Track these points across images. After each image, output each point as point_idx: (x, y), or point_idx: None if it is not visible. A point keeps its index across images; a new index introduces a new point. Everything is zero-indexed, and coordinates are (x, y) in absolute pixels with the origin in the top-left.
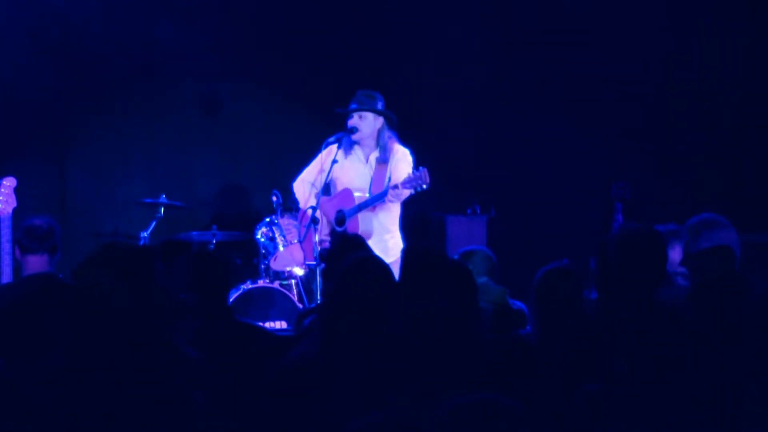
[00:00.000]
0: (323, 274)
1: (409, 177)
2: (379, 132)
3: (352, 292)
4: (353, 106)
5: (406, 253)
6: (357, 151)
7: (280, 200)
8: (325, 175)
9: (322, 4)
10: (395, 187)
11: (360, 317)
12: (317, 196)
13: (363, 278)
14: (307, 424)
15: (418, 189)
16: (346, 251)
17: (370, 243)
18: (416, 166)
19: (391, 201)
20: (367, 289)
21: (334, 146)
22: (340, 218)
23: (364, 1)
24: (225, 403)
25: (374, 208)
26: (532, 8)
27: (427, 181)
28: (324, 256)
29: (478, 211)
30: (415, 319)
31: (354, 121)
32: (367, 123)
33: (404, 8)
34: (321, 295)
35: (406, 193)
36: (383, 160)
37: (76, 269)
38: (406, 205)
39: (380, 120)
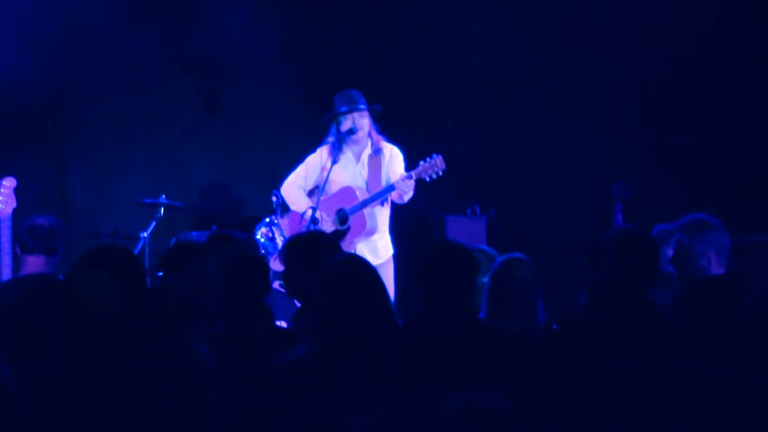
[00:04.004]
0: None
1: (423, 165)
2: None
3: (341, 292)
4: (343, 108)
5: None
6: (347, 152)
7: (280, 200)
8: (326, 173)
9: (321, 3)
10: (409, 177)
11: (351, 317)
12: (317, 195)
13: (350, 279)
14: (303, 425)
15: (434, 176)
16: (318, 251)
17: (360, 244)
18: (406, 164)
19: (403, 192)
20: (356, 288)
21: (327, 147)
22: (342, 216)
23: (364, 0)
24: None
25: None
26: (532, 7)
27: (443, 167)
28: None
29: (478, 211)
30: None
31: (356, 121)
32: (367, 122)
33: (404, 7)
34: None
35: (411, 184)
36: (376, 153)
37: (69, 270)
38: (406, 206)
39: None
